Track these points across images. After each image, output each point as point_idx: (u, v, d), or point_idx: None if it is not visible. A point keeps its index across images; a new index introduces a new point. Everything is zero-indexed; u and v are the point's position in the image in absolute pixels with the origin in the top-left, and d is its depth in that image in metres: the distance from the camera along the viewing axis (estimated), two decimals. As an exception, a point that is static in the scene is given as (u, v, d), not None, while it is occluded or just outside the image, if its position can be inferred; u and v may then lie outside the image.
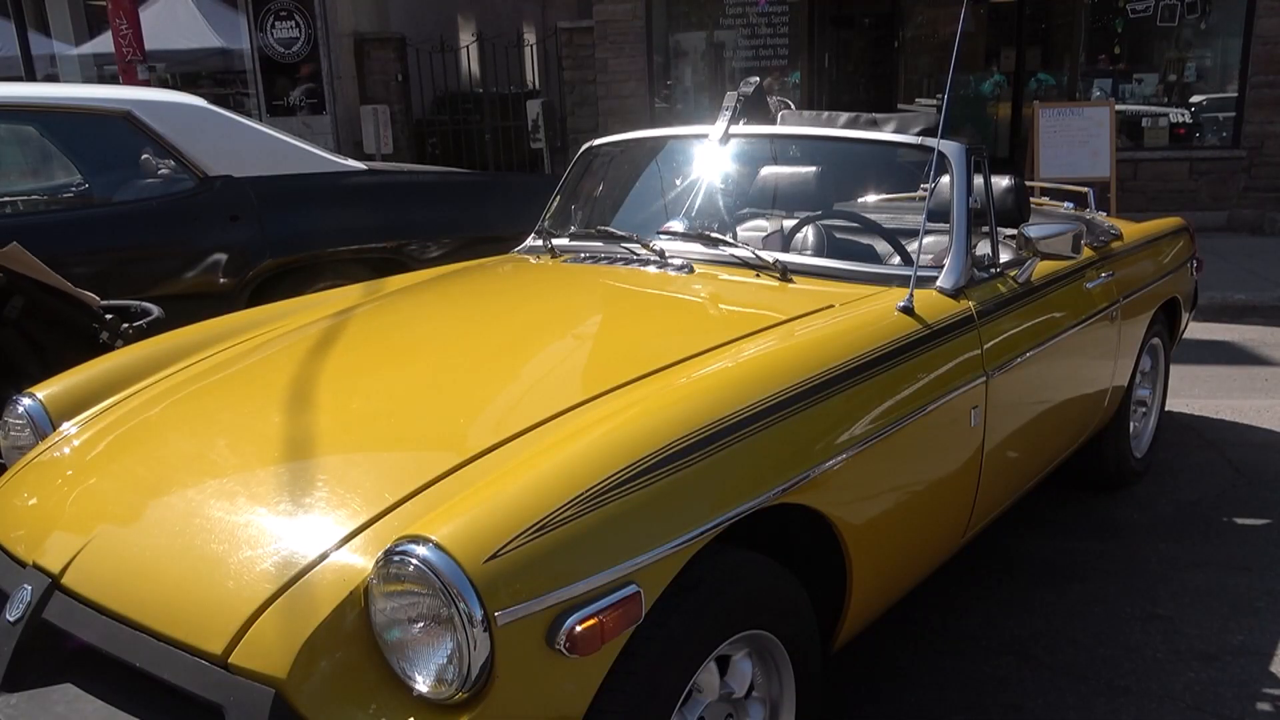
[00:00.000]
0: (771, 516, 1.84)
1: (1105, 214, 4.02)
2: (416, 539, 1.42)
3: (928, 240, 2.46)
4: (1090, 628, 2.79)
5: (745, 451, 1.76)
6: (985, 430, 2.42)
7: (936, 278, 2.49)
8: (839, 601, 2.06)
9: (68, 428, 2.20)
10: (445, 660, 1.42)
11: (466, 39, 11.56)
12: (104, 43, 10.35)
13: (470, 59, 11.33)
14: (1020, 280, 2.68)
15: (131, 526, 1.76)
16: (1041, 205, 3.99)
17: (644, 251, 2.80)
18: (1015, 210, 2.79)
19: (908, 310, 2.29)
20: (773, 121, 3.30)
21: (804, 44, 10.08)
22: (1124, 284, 3.29)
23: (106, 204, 4.39)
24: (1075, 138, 8.09)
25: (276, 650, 1.43)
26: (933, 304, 2.39)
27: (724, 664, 1.82)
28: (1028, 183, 3.03)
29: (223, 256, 4.28)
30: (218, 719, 1.43)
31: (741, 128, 3.08)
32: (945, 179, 2.63)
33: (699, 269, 2.69)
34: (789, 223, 2.96)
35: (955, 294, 2.47)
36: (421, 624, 1.43)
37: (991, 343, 2.45)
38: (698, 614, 1.66)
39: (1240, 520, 3.47)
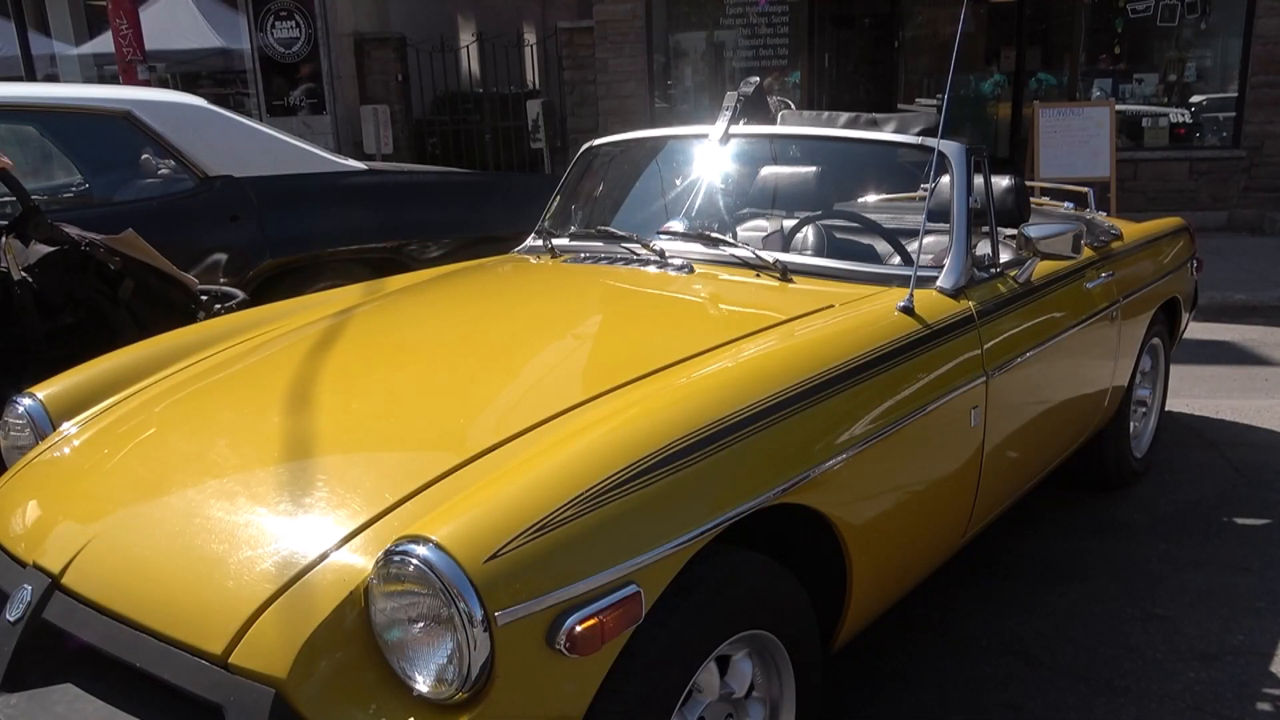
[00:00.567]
0: (771, 516, 1.84)
1: (1105, 214, 4.02)
2: (416, 539, 1.42)
3: (928, 240, 2.46)
4: (1090, 628, 2.79)
5: (745, 451, 1.76)
6: (985, 430, 2.42)
7: (936, 278, 2.49)
8: (839, 601, 2.06)
9: (68, 428, 2.20)
10: (445, 660, 1.42)
11: (466, 39, 11.56)
12: (104, 43, 10.35)
13: (470, 59, 11.33)
14: (1020, 280, 2.68)
15: (131, 526, 1.76)
16: (1041, 205, 3.99)
17: (644, 251, 2.80)
18: (1015, 210, 2.79)
19: (908, 310, 2.29)
20: (773, 121, 3.30)
21: (804, 44, 10.08)
22: (1124, 284, 3.29)
23: (106, 204, 4.39)
24: (1075, 138, 8.09)
25: (276, 650, 1.43)
26: (933, 304, 2.39)
27: (724, 664, 1.82)
28: (1028, 183, 3.03)
29: (223, 256, 4.28)
30: (218, 719, 1.43)
31: (741, 128, 3.08)
32: (945, 179, 2.63)
33: (699, 269, 2.69)
34: (789, 223, 2.96)
35: (955, 294, 2.47)
36: (421, 624, 1.43)
37: (991, 343, 2.45)
38: (698, 614, 1.66)
39: (1240, 520, 3.47)
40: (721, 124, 3.06)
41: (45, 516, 1.90)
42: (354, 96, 10.95)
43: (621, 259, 2.83)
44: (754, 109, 3.17)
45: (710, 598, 1.68)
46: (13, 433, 2.28)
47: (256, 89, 11.05)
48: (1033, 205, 3.50)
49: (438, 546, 1.40)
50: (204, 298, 3.36)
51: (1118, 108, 8.71)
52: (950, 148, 2.65)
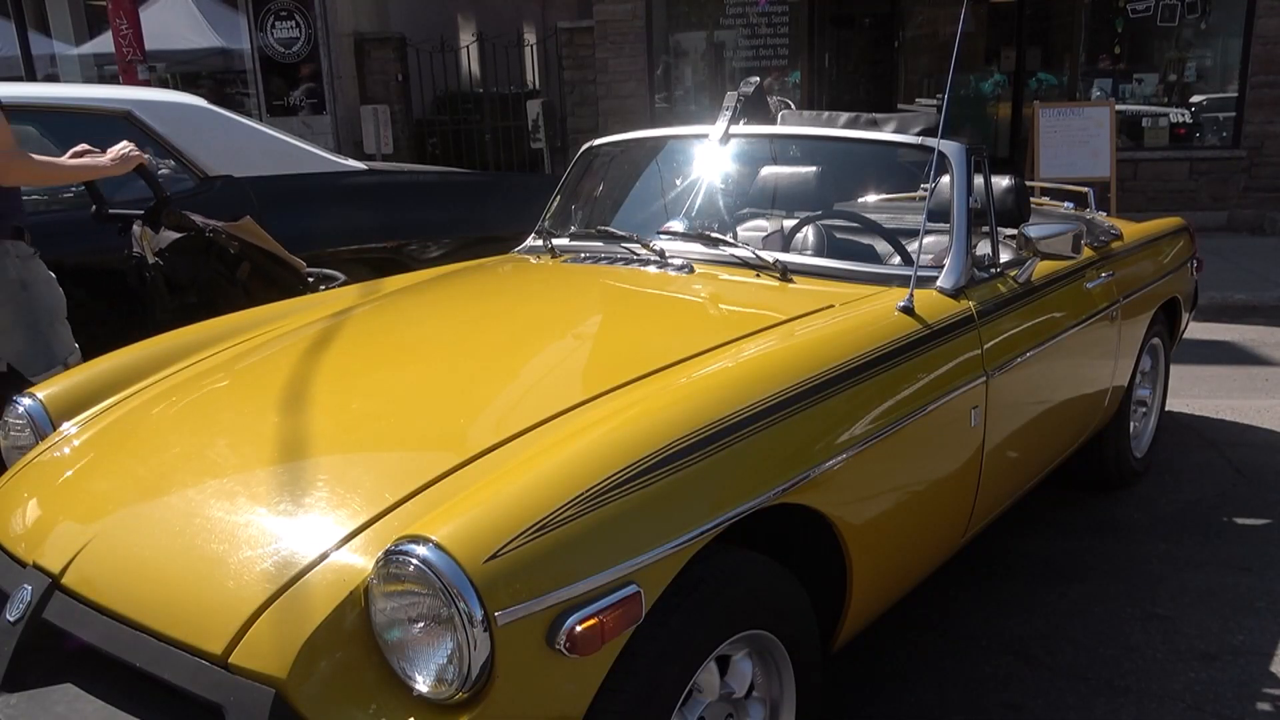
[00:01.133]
0: (771, 516, 1.84)
1: (1105, 214, 4.02)
2: (416, 539, 1.42)
3: (928, 240, 2.46)
4: (1090, 628, 2.79)
5: (745, 451, 1.76)
6: (985, 430, 2.42)
7: (936, 278, 2.49)
8: (839, 601, 2.06)
9: (68, 428, 2.20)
10: (445, 660, 1.42)
11: (466, 39, 11.56)
12: (104, 43, 10.35)
13: (470, 59, 11.33)
14: (1020, 280, 2.68)
15: (131, 526, 1.76)
16: (1041, 205, 3.99)
17: (644, 251, 2.80)
18: (1015, 210, 2.79)
19: (908, 310, 2.29)
20: (773, 121, 3.30)
21: (804, 44, 10.08)
22: (1124, 284, 3.29)
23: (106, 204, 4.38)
24: (1075, 138, 8.09)
25: (276, 650, 1.43)
26: (933, 304, 2.39)
27: (724, 664, 1.82)
28: (1028, 183, 3.03)
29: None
30: (218, 719, 1.43)
31: (741, 128, 3.07)
32: (945, 179, 2.63)
33: (699, 269, 2.69)
34: (789, 223, 2.96)
35: (955, 294, 2.47)
36: (421, 624, 1.43)
37: (991, 343, 2.45)
38: (698, 614, 1.66)
39: (1240, 520, 3.47)
40: (721, 124, 3.06)
41: (45, 516, 1.90)
42: (354, 96, 10.95)
43: (621, 259, 2.83)
44: (754, 109, 3.17)
45: (710, 598, 1.68)
46: (13, 433, 2.28)
47: (256, 89, 11.05)
48: (1033, 205, 3.50)
49: (438, 546, 1.40)
50: (310, 279, 3.66)
51: (1118, 108, 8.71)
52: (950, 148, 2.65)
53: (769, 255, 2.65)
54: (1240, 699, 2.46)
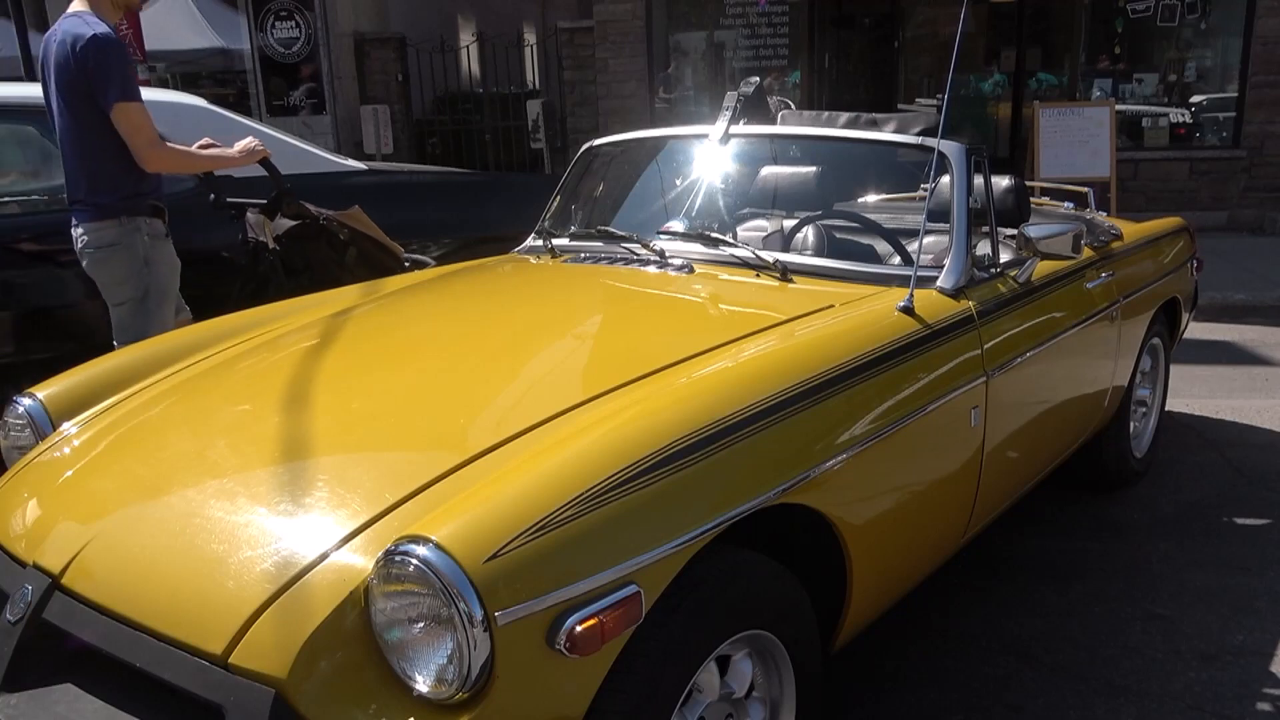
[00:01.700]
0: (771, 516, 1.84)
1: (1105, 214, 4.02)
2: (416, 539, 1.42)
3: (928, 240, 2.46)
4: (1090, 628, 2.79)
5: (745, 451, 1.76)
6: (985, 430, 2.42)
7: (936, 278, 2.49)
8: (839, 601, 2.06)
9: (68, 428, 2.20)
10: (445, 660, 1.42)
11: (466, 39, 11.57)
12: (104, 43, 10.32)
13: (470, 59, 11.33)
14: (1020, 280, 2.68)
15: (131, 526, 1.76)
16: (1041, 205, 3.99)
17: (644, 251, 2.80)
18: (1015, 210, 2.79)
19: (908, 310, 2.29)
20: (773, 121, 3.30)
21: (804, 44, 10.08)
22: (1124, 284, 3.29)
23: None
24: (1075, 138, 8.09)
25: (277, 650, 1.43)
26: (933, 304, 2.39)
27: (724, 664, 1.82)
28: (1028, 183, 3.03)
29: (223, 256, 4.27)
30: (218, 719, 1.43)
31: (741, 128, 3.07)
32: (945, 179, 2.63)
33: (699, 269, 2.69)
34: (789, 223, 2.96)
35: (955, 294, 2.47)
36: (422, 624, 1.43)
37: (991, 343, 2.45)
38: (698, 614, 1.66)
39: (1240, 520, 3.47)
40: (721, 124, 3.06)
41: (45, 516, 1.90)
42: (354, 96, 10.95)
43: (621, 259, 2.83)
44: (754, 109, 3.17)
45: (710, 598, 1.68)
46: (13, 433, 2.28)
47: (256, 89, 11.05)
48: (1033, 205, 3.50)
49: (438, 546, 1.40)
50: (407, 265, 3.90)
51: (1118, 108, 8.71)
52: (950, 148, 2.65)
53: (769, 255, 2.65)
54: (1240, 699, 2.46)
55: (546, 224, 3.26)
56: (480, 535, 1.43)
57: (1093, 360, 3.12)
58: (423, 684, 1.42)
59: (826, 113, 3.30)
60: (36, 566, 1.75)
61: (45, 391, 2.32)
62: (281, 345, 2.44)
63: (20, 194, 4.57)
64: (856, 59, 11.09)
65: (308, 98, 10.89)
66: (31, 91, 4.63)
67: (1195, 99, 9.52)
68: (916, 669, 2.61)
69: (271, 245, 3.70)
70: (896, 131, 3.01)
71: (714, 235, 2.80)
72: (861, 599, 2.09)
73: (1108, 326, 3.16)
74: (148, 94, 4.61)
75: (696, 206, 3.04)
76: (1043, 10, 10.08)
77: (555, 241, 3.08)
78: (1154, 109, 9.53)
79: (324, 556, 1.53)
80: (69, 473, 2.01)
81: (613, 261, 2.84)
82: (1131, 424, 3.70)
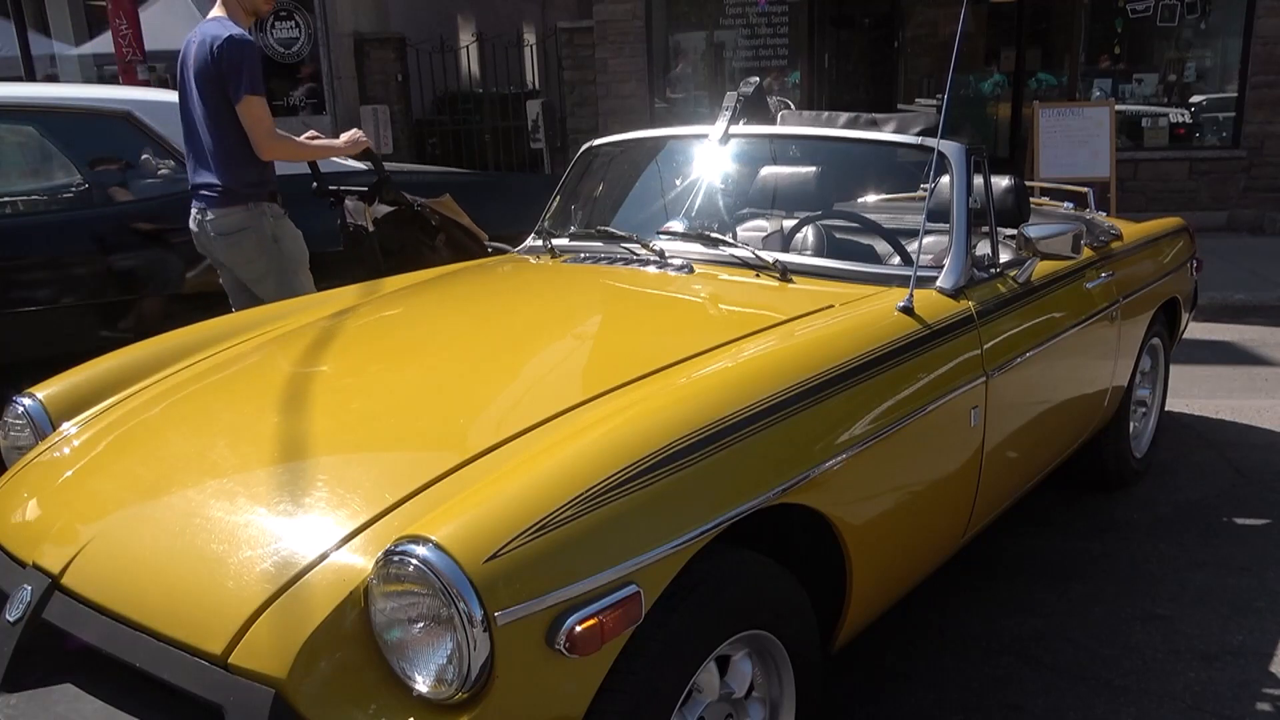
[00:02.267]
0: (771, 516, 1.84)
1: (1105, 214, 4.02)
2: (416, 539, 1.42)
3: (928, 240, 2.46)
4: (1090, 628, 2.79)
5: (745, 451, 1.76)
6: (985, 430, 2.42)
7: (936, 278, 2.49)
8: (839, 601, 2.06)
9: (68, 428, 2.20)
10: (445, 660, 1.42)
11: (466, 39, 11.55)
12: (104, 43, 10.34)
13: (470, 59, 11.32)
14: (1020, 280, 2.68)
15: (131, 526, 1.76)
16: (1041, 205, 3.99)
17: (644, 251, 2.80)
18: (1015, 210, 2.79)
19: (908, 310, 2.29)
20: (773, 121, 3.30)
21: (804, 44, 10.07)
22: (1124, 284, 3.29)
23: (106, 204, 4.38)
24: (1075, 138, 8.09)
25: (276, 650, 1.43)
26: (933, 304, 2.39)
27: (724, 664, 1.82)
28: (1028, 183, 3.03)
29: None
30: (218, 719, 1.43)
31: (741, 128, 3.07)
32: (945, 179, 2.63)
33: (699, 269, 2.69)
34: (789, 223, 2.96)
35: (955, 294, 2.47)
36: (421, 624, 1.43)
37: (991, 343, 2.45)
38: (698, 614, 1.66)
39: (1240, 520, 3.47)
40: (721, 124, 3.06)
41: (45, 516, 1.90)
42: (354, 96, 10.94)
43: (621, 259, 2.83)
44: (754, 109, 3.17)
45: (710, 598, 1.68)
46: (13, 433, 2.28)
47: (256, 89, 11.01)
48: (1033, 205, 3.50)
49: (437, 546, 1.40)
50: (491, 251, 3.98)
51: (1118, 108, 8.70)
52: (950, 148, 2.65)
53: (769, 255, 2.65)
54: (1240, 699, 2.46)
55: (546, 224, 3.26)
56: (480, 535, 1.43)
57: (1092, 360, 3.12)
58: (422, 684, 1.42)
59: (826, 113, 3.30)
60: (36, 566, 1.75)
61: (45, 391, 2.32)
62: (281, 345, 2.44)
63: (20, 194, 4.57)
64: (856, 59, 11.09)
65: (307, 98, 10.88)
66: (31, 91, 4.64)
67: (1195, 99, 9.51)
68: (916, 669, 2.61)
69: (370, 229, 4.00)
70: (896, 131, 3.01)
71: (714, 235, 2.80)
72: (861, 599, 2.09)
73: (1107, 326, 3.16)
74: (148, 94, 4.61)
75: (696, 206, 3.04)
76: (1042, 10, 10.08)
77: (555, 241, 3.08)
78: (1154, 109, 9.52)
79: (324, 556, 1.53)
80: (69, 473, 2.01)
81: (612, 261, 2.84)
82: (1131, 424, 3.70)
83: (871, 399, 2.06)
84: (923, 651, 2.70)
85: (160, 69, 10.90)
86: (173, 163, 4.30)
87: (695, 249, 2.77)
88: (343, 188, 4.07)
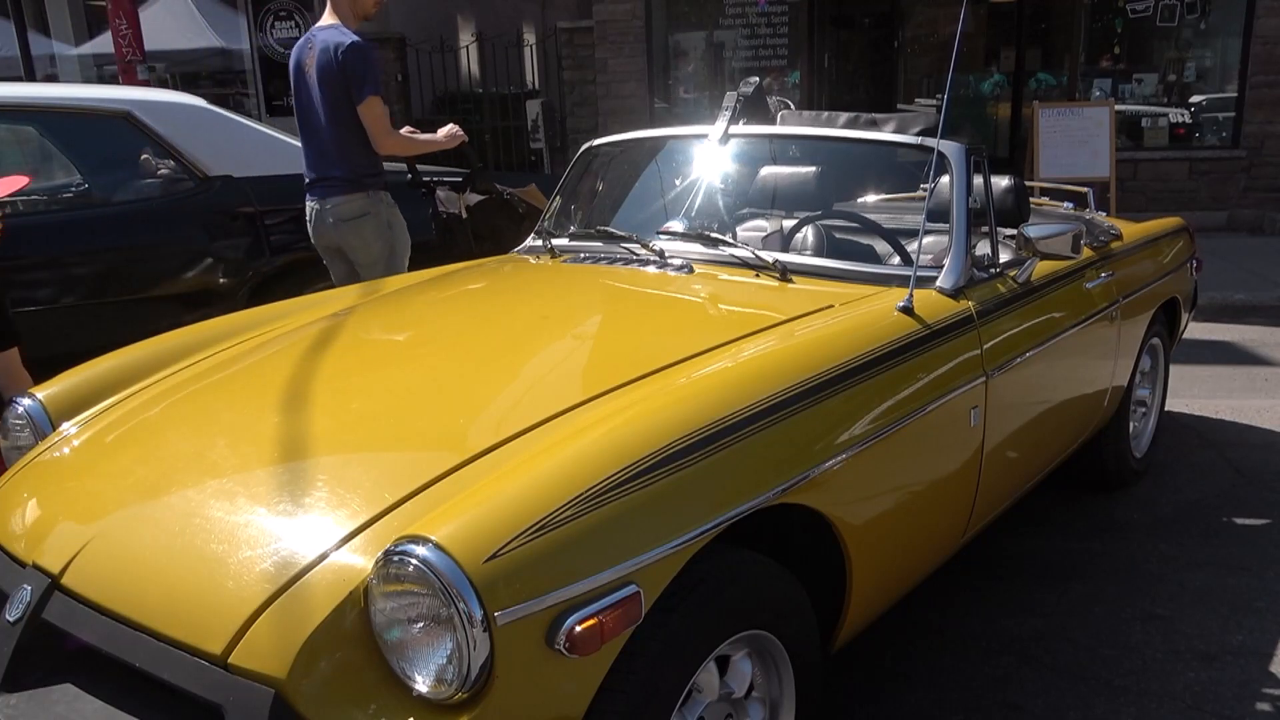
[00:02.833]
0: (771, 516, 1.84)
1: (1105, 214, 4.02)
2: (416, 539, 1.42)
3: (928, 240, 2.46)
4: (1090, 628, 2.79)
5: (745, 451, 1.76)
6: (985, 430, 2.42)
7: (936, 278, 2.49)
8: (839, 601, 2.06)
9: (68, 428, 2.20)
10: (445, 660, 1.42)
11: (466, 39, 11.56)
12: (104, 43, 10.35)
13: (470, 59, 11.33)
14: (1020, 280, 2.68)
15: (131, 526, 1.76)
16: (1041, 205, 3.99)
17: (644, 251, 2.80)
18: (1015, 210, 2.79)
19: (907, 310, 2.29)
20: (773, 121, 3.30)
21: (804, 44, 10.07)
22: (1124, 284, 3.29)
23: (106, 204, 4.39)
24: (1075, 138, 8.09)
25: (276, 650, 1.43)
26: (932, 304, 2.39)
27: (724, 664, 1.82)
28: (1027, 183, 3.03)
29: (223, 256, 4.29)
30: (217, 719, 1.43)
31: (741, 128, 3.07)
32: (945, 179, 2.63)
33: (699, 269, 2.69)
34: (789, 223, 2.96)
35: (955, 294, 2.47)
36: (421, 624, 1.43)
37: (991, 343, 2.45)
38: (698, 614, 1.66)
39: (1240, 520, 3.47)
40: (721, 124, 3.06)
41: (45, 516, 1.90)
42: (354, 96, 10.92)
43: (621, 259, 2.84)
44: (754, 109, 3.17)
45: (710, 598, 1.68)
46: (13, 433, 2.28)
47: (256, 89, 11.05)
48: (1032, 205, 3.50)
49: (437, 546, 1.40)
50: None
51: (1117, 108, 8.71)
52: (950, 148, 2.65)
53: (768, 255, 2.65)
54: (1240, 699, 2.46)
55: (546, 224, 3.26)
56: (480, 535, 1.43)
57: (1092, 360, 3.12)
58: (422, 684, 1.42)
59: (826, 113, 3.30)
60: (36, 566, 1.75)
61: (45, 391, 2.32)
62: (281, 345, 2.44)
63: (20, 194, 4.57)
64: (856, 59, 11.09)
65: (308, 98, 10.87)
66: (31, 91, 4.64)
67: (1195, 99, 9.51)
68: (916, 669, 2.61)
69: (463, 216, 4.37)
70: (896, 131, 3.01)
71: (713, 235, 2.80)
72: (861, 599, 2.09)
73: (1107, 326, 3.16)
74: (148, 94, 4.61)
75: (696, 206, 3.04)
76: (1042, 10, 10.08)
77: (555, 241, 3.09)
78: (1154, 109, 9.53)
79: (323, 556, 1.53)
80: (69, 473, 2.01)
81: (612, 261, 2.84)
82: (1131, 424, 3.70)
83: (871, 399, 2.06)
84: (923, 651, 2.70)
85: (160, 69, 10.91)
86: (172, 162, 4.30)
87: (695, 249, 2.77)
88: (435, 179, 4.39)
